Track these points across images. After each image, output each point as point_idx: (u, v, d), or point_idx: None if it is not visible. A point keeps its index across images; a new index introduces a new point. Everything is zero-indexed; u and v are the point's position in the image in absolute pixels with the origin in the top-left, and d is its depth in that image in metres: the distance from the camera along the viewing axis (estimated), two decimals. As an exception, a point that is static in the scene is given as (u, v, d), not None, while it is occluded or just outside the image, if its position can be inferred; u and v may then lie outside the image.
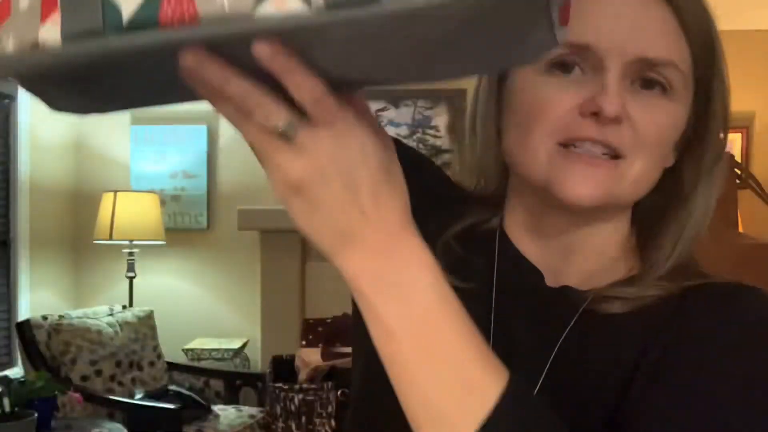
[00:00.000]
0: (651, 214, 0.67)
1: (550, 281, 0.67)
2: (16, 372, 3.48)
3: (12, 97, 3.74)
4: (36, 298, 3.88)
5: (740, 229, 2.01)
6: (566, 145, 0.60)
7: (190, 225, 4.25)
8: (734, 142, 4.04)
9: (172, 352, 3.79)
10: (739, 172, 1.95)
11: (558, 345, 0.64)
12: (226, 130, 4.27)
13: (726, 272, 1.39)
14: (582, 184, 0.60)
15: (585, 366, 0.63)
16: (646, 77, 0.60)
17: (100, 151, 4.31)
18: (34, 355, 3.07)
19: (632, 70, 0.59)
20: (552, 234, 0.67)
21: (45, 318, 3.16)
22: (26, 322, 3.12)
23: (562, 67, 0.60)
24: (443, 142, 4.18)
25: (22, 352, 3.13)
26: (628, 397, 0.58)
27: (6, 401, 2.33)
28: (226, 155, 4.27)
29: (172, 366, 3.64)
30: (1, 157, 3.69)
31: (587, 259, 0.67)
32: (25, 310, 3.75)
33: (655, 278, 0.63)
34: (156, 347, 3.56)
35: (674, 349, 0.58)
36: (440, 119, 4.18)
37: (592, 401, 0.60)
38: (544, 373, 0.63)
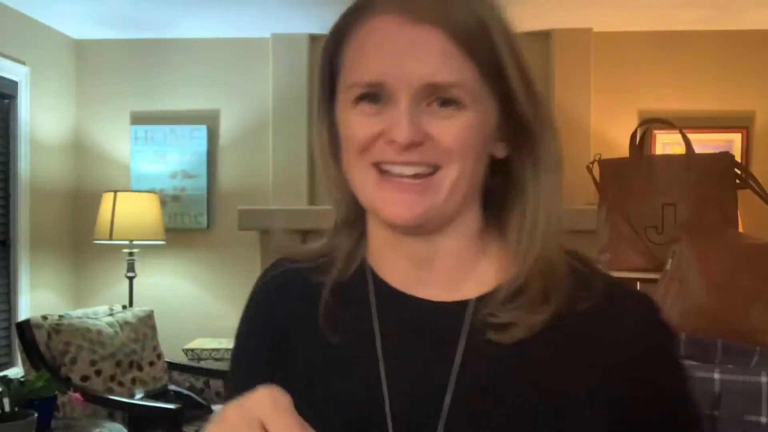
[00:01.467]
0: (497, 203, 0.74)
1: (427, 293, 0.73)
2: (16, 372, 3.48)
3: (12, 97, 3.73)
4: (36, 298, 3.88)
5: (740, 229, 2.01)
6: (383, 169, 0.68)
7: (190, 225, 4.25)
8: (734, 142, 4.04)
9: (172, 352, 3.79)
10: (739, 172, 1.95)
11: (454, 370, 0.69)
12: (226, 130, 4.28)
13: (726, 272, 1.39)
14: (398, 207, 0.67)
15: (503, 389, 0.68)
16: (441, 97, 0.66)
17: (100, 151, 4.31)
18: (34, 355, 3.07)
19: (424, 94, 0.66)
20: (407, 249, 0.73)
21: (45, 318, 3.16)
22: (26, 322, 3.12)
23: (370, 97, 0.67)
24: (443, 142, 4.17)
25: (22, 352, 3.13)
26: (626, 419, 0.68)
27: (6, 401, 2.33)
28: (226, 155, 4.27)
29: (172, 366, 3.64)
30: (1, 157, 3.69)
31: (446, 264, 0.73)
32: (25, 310, 3.75)
33: (533, 291, 0.69)
34: (156, 347, 3.56)
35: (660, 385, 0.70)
36: (440, 119, 4.18)
37: (527, 425, 0.67)
38: (451, 394, 0.68)
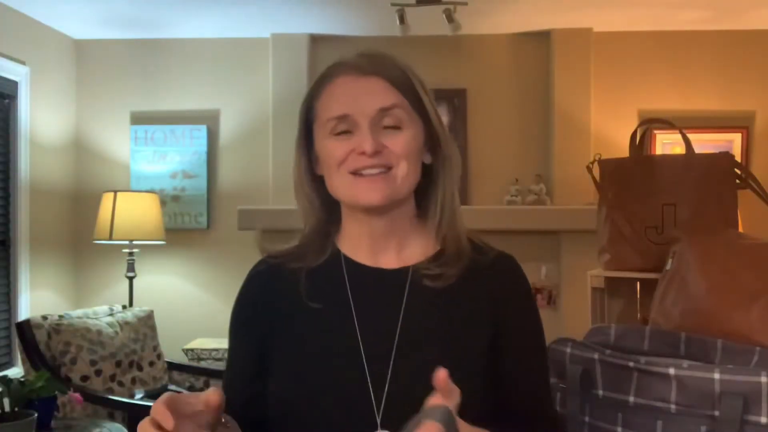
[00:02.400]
0: (421, 196, 1.10)
1: (382, 264, 1.08)
2: (16, 372, 3.48)
3: (12, 97, 3.74)
4: (36, 298, 3.88)
5: (740, 229, 2.01)
6: (356, 173, 1.02)
7: (190, 225, 4.25)
8: (734, 142, 4.04)
9: (172, 352, 3.79)
10: (739, 172, 1.95)
11: (402, 312, 1.03)
12: (226, 130, 4.28)
13: (726, 272, 1.39)
14: (371, 193, 1.02)
15: (432, 322, 1.03)
16: (388, 124, 1.02)
17: (100, 151, 4.31)
18: (34, 355, 3.07)
19: (378, 119, 1.02)
20: (371, 227, 1.07)
21: (45, 318, 3.16)
22: (26, 322, 3.12)
23: (342, 132, 1.03)
24: (443, 142, 4.17)
25: (22, 352, 3.13)
26: (501, 344, 1.03)
27: (6, 401, 2.33)
28: (226, 155, 4.27)
29: (172, 366, 3.64)
30: (1, 157, 3.69)
31: (396, 239, 1.08)
32: (25, 310, 3.75)
33: (449, 253, 1.06)
34: (156, 347, 3.56)
35: (519, 313, 1.07)
36: (440, 119, 4.18)
37: (445, 343, 1.01)
38: (400, 322, 1.02)
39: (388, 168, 1.02)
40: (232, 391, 1.05)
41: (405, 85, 1.04)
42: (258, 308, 1.09)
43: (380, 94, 1.02)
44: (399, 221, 1.07)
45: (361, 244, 1.08)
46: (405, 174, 1.03)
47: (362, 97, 1.02)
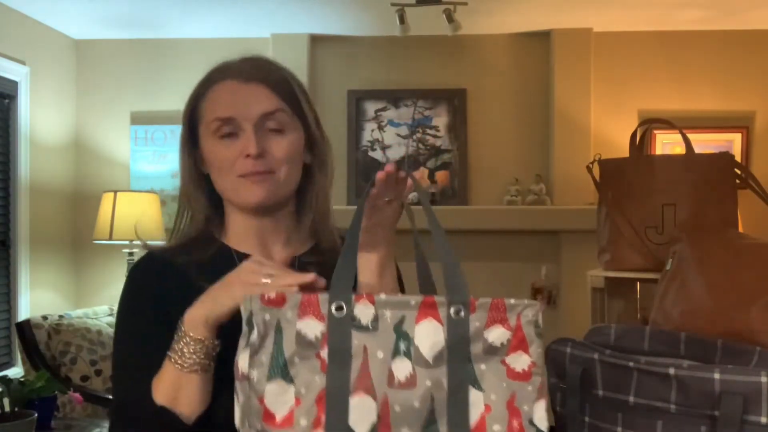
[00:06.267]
0: (298, 194, 1.18)
1: (271, 255, 1.16)
2: (16, 372, 3.48)
3: (12, 97, 3.74)
4: (36, 298, 3.88)
5: (740, 229, 2.01)
6: (244, 175, 1.10)
7: (190, 225, 4.25)
8: (734, 142, 4.04)
9: (172, 352, 3.79)
10: (739, 172, 1.95)
11: None
12: (226, 130, 4.28)
13: (726, 272, 1.38)
14: (253, 193, 1.10)
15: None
16: (271, 128, 1.10)
17: (100, 151, 4.31)
18: (34, 355, 3.07)
19: (261, 123, 1.10)
20: (259, 225, 1.15)
21: (45, 318, 3.16)
22: (26, 322, 3.12)
23: (228, 135, 1.10)
24: (443, 142, 4.18)
25: (22, 352, 3.13)
26: None
27: (6, 401, 2.33)
28: (226, 155, 4.27)
29: (172, 366, 3.63)
30: (1, 157, 3.69)
31: (282, 234, 1.17)
32: (25, 310, 3.75)
33: (324, 247, 1.17)
34: (156, 347, 3.56)
35: None
36: (440, 119, 4.18)
37: None
38: None
39: (271, 172, 1.10)
40: (145, 381, 1.00)
41: (286, 91, 1.12)
42: (155, 292, 1.09)
43: (263, 101, 1.10)
44: (284, 219, 1.16)
45: (249, 239, 1.15)
46: (286, 176, 1.11)
47: (246, 103, 1.09)
